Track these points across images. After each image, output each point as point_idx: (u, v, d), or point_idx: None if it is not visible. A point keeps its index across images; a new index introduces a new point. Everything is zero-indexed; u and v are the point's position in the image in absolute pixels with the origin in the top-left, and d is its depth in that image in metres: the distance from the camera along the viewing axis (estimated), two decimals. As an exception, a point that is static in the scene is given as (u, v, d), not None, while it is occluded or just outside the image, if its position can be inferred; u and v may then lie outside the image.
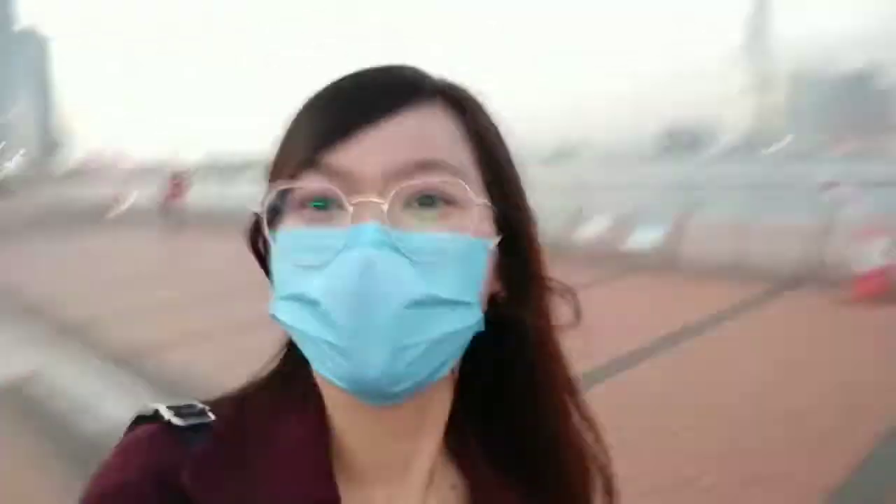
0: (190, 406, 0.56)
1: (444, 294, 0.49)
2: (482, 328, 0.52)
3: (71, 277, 11.08)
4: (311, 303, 0.48)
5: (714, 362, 5.26)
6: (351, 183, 0.48)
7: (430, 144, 0.51)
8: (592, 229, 10.08)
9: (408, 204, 0.49)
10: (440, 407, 0.58)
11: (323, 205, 0.50)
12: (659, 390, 4.70)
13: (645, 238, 9.41)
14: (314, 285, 0.48)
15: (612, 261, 9.33)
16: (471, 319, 0.51)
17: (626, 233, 9.69)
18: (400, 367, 0.47)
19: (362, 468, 0.55)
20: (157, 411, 0.55)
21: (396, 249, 0.47)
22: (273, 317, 0.52)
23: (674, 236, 9.24)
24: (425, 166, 0.49)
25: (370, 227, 0.47)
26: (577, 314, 0.60)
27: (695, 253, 8.91)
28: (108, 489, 0.50)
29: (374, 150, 0.49)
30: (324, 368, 0.49)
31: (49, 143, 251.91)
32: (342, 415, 0.55)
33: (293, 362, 0.56)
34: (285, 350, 0.59)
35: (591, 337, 0.61)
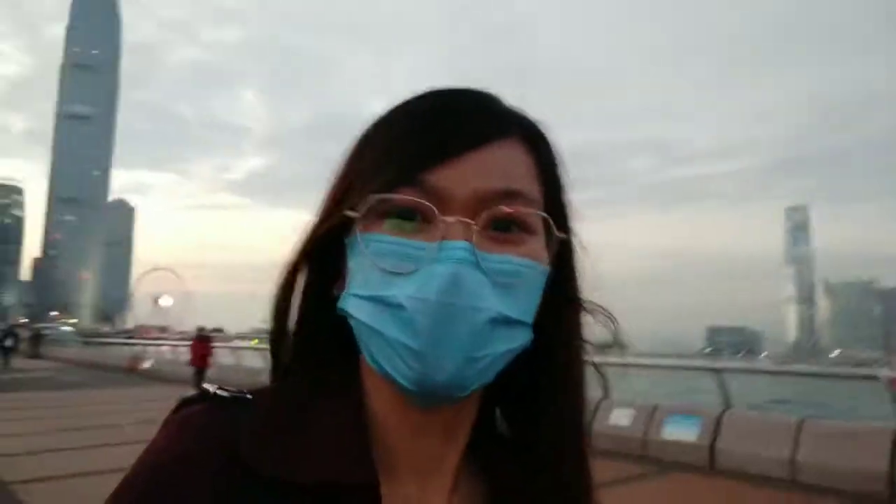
0: (228, 389, 0.57)
1: (513, 314, 0.53)
2: (530, 345, 0.56)
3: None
4: (395, 306, 0.51)
5: None
6: (444, 202, 0.52)
7: (514, 175, 0.55)
8: (618, 419, 8.81)
9: (485, 227, 0.53)
10: (472, 409, 0.60)
11: (408, 217, 0.53)
12: None
13: (678, 432, 8.08)
14: (401, 291, 0.51)
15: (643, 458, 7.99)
16: (526, 338, 0.55)
17: (658, 425, 8.37)
18: (466, 377, 0.51)
19: (396, 462, 0.57)
20: (200, 392, 0.57)
21: (480, 268, 0.51)
22: (341, 310, 0.56)
23: (708, 432, 7.87)
24: (511, 195, 0.54)
25: (460, 245, 0.51)
26: (616, 335, 0.63)
27: (738, 454, 7.50)
28: (164, 461, 0.51)
29: (468, 174, 0.53)
30: (390, 367, 0.52)
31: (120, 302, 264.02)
32: (386, 409, 0.57)
33: (327, 354, 0.60)
34: (309, 343, 0.61)
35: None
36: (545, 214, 0.56)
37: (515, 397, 0.63)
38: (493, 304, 0.51)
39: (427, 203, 0.52)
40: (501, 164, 0.54)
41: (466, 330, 0.50)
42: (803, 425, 7.25)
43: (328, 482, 0.51)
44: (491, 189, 0.53)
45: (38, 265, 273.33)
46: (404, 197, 0.52)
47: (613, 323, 0.63)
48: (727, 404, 8.20)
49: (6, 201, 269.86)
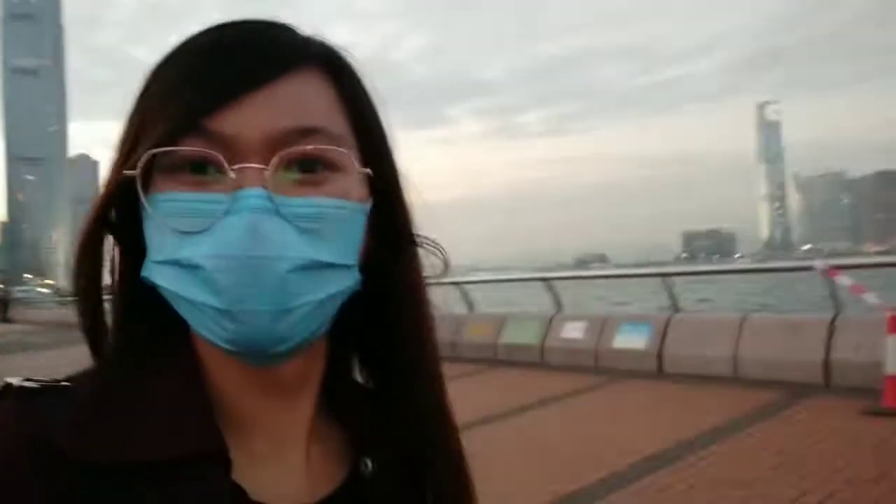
0: (38, 380, 0.52)
1: (327, 258, 0.50)
2: (360, 286, 0.54)
3: None
4: (192, 267, 0.48)
5: (734, 468, 3.97)
6: (233, 148, 0.49)
7: (311, 111, 0.51)
8: (571, 332, 8.91)
9: (288, 168, 0.50)
10: (318, 361, 0.59)
11: (200, 169, 0.49)
12: None
13: (628, 340, 8.19)
14: (196, 250, 0.48)
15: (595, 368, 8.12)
16: (351, 280, 0.53)
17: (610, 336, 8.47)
18: (283, 330, 0.48)
19: (242, 421, 0.55)
20: (2, 387, 0.51)
21: (280, 215, 0.48)
22: (147, 280, 0.51)
23: (656, 339, 7.98)
24: (307, 133, 0.50)
25: (254, 193, 0.47)
26: (447, 266, 0.63)
27: (683, 358, 7.63)
28: None
29: (256, 115, 0.49)
30: (205, 331, 0.49)
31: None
32: (221, 371, 0.54)
33: (152, 325, 0.55)
34: (129, 315, 0.57)
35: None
36: (343, 150, 0.51)
37: (367, 342, 0.63)
38: (299, 250, 0.48)
39: (212, 152, 0.48)
40: (294, 100, 0.51)
41: (272, 281, 0.47)
42: (745, 322, 7.36)
43: (172, 456, 0.49)
44: (282, 128, 0.49)
45: (5, 229, 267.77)
46: (183, 148, 0.48)
47: (442, 252, 0.63)
48: (675, 309, 8.28)
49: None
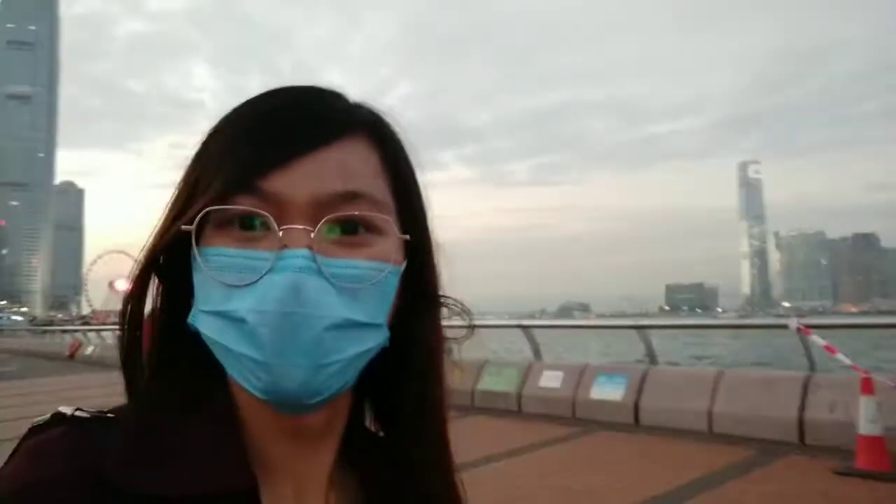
0: (87, 409, 0.54)
1: (361, 318, 0.53)
2: (387, 344, 0.57)
3: None
4: (237, 320, 0.50)
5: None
6: (281, 208, 0.51)
7: (356, 177, 0.54)
8: (548, 382, 8.85)
9: (331, 228, 0.53)
10: (342, 411, 0.61)
11: (249, 225, 0.52)
12: None
13: (605, 391, 8.15)
14: (241, 304, 0.50)
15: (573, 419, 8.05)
16: (380, 338, 0.56)
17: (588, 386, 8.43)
18: (316, 383, 0.50)
19: (271, 466, 0.57)
20: (54, 415, 0.53)
21: (322, 275, 0.50)
22: (192, 326, 0.54)
23: (633, 391, 7.96)
24: (352, 197, 0.53)
25: (299, 254, 0.50)
26: (472, 327, 0.66)
27: (659, 411, 7.60)
28: (27, 483, 0.47)
29: (306, 178, 0.52)
30: (242, 379, 0.51)
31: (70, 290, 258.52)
32: (254, 416, 0.56)
33: (190, 366, 0.57)
34: (169, 355, 0.59)
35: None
36: (385, 217, 0.55)
37: (382, 393, 0.65)
38: (337, 309, 0.51)
39: (262, 212, 0.51)
40: (341, 165, 0.54)
41: (310, 338, 0.49)
42: (721, 377, 7.37)
43: (206, 492, 0.51)
44: (329, 192, 0.52)
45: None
46: (236, 207, 0.51)
47: (468, 316, 0.66)
48: (653, 361, 8.29)
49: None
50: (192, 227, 0.52)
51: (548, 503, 5.04)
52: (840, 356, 6.04)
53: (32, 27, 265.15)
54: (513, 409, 8.95)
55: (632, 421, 7.79)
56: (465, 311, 0.66)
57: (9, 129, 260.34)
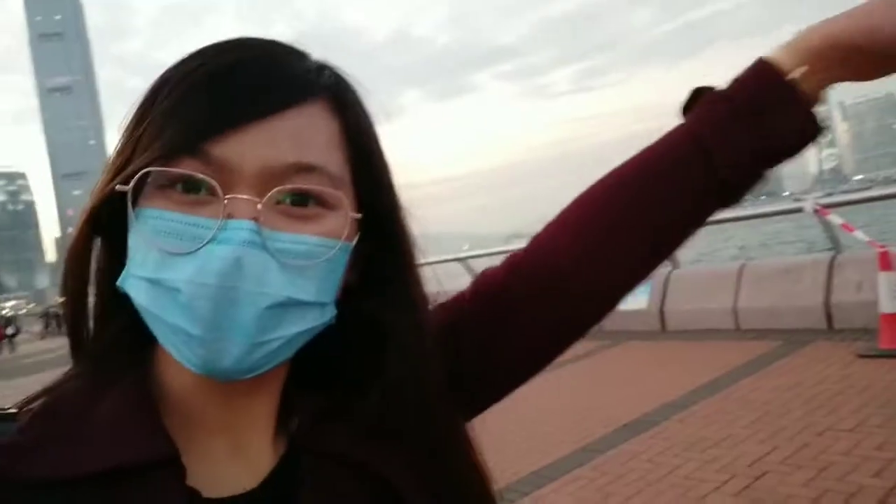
0: None
1: (306, 297, 0.50)
2: (333, 321, 0.55)
3: None
4: (172, 290, 0.48)
5: (709, 429, 3.87)
6: (229, 175, 0.48)
7: (312, 148, 0.51)
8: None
9: (279, 200, 0.49)
10: (283, 370, 0.58)
11: (193, 189, 0.49)
12: None
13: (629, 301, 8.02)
14: (178, 274, 0.47)
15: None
16: (325, 317, 0.53)
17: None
18: (251, 361, 0.49)
19: (202, 424, 0.55)
20: None
21: (266, 249, 0.48)
22: (121, 289, 0.52)
23: (657, 297, 7.78)
24: (306, 169, 0.50)
25: (244, 225, 0.47)
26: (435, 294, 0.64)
27: (685, 313, 7.43)
28: None
29: (257, 146, 0.49)
30: (175, 350, 0.49)
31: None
32: (181, 378, 0.54)
33: (124, 336, 0.55)
34: (79, 326, 0.57)
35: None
36: (338, 193, 0.52)
37: (340, 362, 0.61)
38: (281, 287, 0.49)
39: (207, 177, 0.48)
40: (297, 134, 0.50)
41: (250, 315, 0.47)
42: (743, 270, 7.10)
43: (116, 466, 0.48)
44: (282, 163, 0.49)
45: (61, 244, 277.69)
46: (180, 171, 0.48)
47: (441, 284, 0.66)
48: (674, 264, 8.06)
49: (13, 188, 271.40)
50: (129, 188, 0.49)
51: (557, 424, 5.05)
52: (858, 233, 5.70)
53: (58, 16, 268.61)
54: (543, 329, 8.94)
55: (659, 328, 7.67)
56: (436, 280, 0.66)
57: (57, 122, 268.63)
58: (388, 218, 0.58)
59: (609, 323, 8.09)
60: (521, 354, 0.67)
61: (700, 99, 0.62)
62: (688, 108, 0.63)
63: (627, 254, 0.64)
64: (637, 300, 7.95)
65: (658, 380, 5.73)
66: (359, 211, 0.55)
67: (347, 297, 0.57)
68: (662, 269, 8.15)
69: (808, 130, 0.60)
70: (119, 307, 0.55)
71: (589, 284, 0.65)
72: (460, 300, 0.68)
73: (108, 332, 0.57)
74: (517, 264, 0.67)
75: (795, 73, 0.58)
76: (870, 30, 0.56)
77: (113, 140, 0.57)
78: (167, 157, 0.48)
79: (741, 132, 0.59)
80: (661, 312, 7.67)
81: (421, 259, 0.60)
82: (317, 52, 0.57)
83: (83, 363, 0.57)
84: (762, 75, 0.60)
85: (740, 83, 0.61)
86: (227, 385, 0.53)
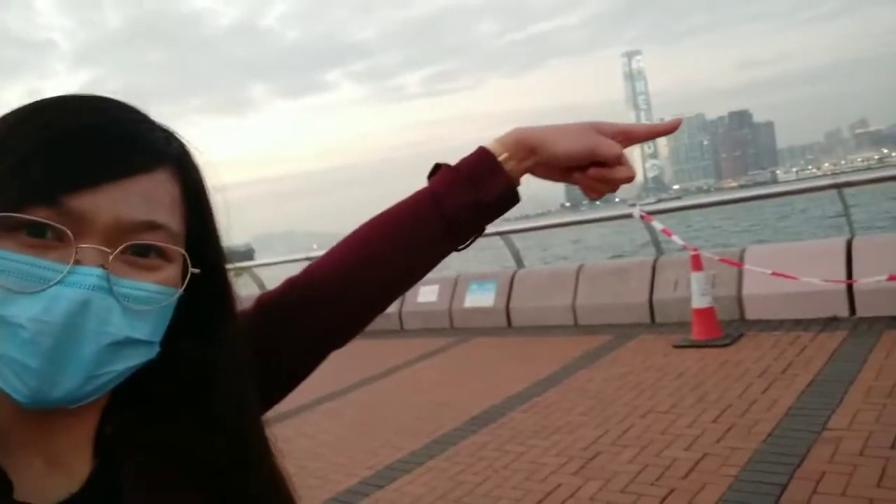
0: None
1: (140, 336, 0.56)
2: (156, 358, 0.60)
3: None
4: (14, 325, 0.51)
5: (550, 418, 4.13)
6: (81, 225, 0.53)
7: (159, 209, 0.58)
8: (426, 296, 8.99)
9: (124, 250, 0.55)
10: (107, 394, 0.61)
11: (38, 233, 0.52)
12: None
13: (477, 298, 8.38)
14: (21, 311, 0.51)
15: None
16: (152, 353, 0.59)
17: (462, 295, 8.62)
18: (82, 393, 0.54)
19: (24, 441, 0.58)
20: None
21: (112, 294, 0.53)
22: None
23: (503, 295, 8.22)
24: (153, 227, 0.57)
25: (94, 272, 0.53)
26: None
27: (529, 311, 7.91)
28: None
29: (112, 202, 0.54)
30: (2, 382, 0.52)
31: None
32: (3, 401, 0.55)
33: None
34: None
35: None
36: (178, 249, 0.59)
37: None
38: (122, 328, 0.54)
39: (60, 226, 0.52)
40: (148, 196, 0.57)
41: (90, 351, 0.52)
42: (581, 271, 7.70)
43: None
44: (134, 219, 0.55)
45: None
46: (36, 218, 0.52)
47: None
48: (519, 265, 8.54)
49: None
50: None
51: (410, 419, 5.19)
52: (675, 238, 6.40)
53: None
54: (395, 328, 9.07)
55: (505, 324, 8.08)
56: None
57: None
58: (214, 269, 0.65)
59: (459, 320, 8.45)
60: (295, 355, 0.79)
61: (439, 170, 0.82)
62: (431, 174, 0.83)
63: (370, 285, 0.80)
64: (483, 298, 8.33)
65: (504, 374, 6.06)
66: (193, 265, 0.62)
67: (170, 335, 0.62)
68: (508, 270, 8.62)
69: (509, 196, 0.81)
70: None
71: (334, 307, 0.79)
72: (244, 314, 0.76)
73: None
74: (294, 280, 0.81)
75: (501, 157, 0.80)
76: (542, 141, 0.79)
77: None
78: (19, 204, 0.52)
79: (463, 189, 0.79)
80: (507, 310, 8.09)
81: (237, 296, 0.69)
82: (152, 38, 0.64)
83: None
84: (480, 155, 0.81)
85: (465, 161, 0.81)
86: (52, 409, 0.55)
